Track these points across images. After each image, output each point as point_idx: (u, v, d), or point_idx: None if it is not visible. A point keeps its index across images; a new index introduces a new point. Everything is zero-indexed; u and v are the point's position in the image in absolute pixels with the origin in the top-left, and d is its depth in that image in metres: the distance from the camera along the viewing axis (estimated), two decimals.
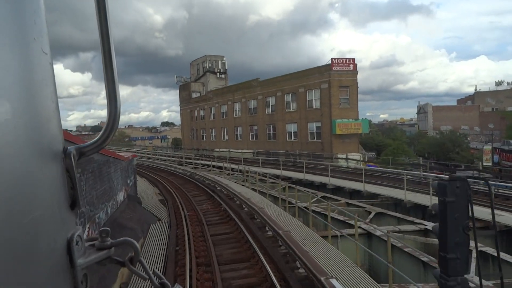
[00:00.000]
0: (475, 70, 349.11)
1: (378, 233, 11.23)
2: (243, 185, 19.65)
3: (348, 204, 15.66)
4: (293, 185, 19.46)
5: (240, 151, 45.84)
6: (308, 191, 15.45)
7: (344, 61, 36.33)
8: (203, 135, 59.71)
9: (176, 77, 68.03)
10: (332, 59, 36.00)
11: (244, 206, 13.82)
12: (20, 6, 0.60)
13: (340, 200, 15.91)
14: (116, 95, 0.81)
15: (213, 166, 29.49)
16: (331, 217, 12.04)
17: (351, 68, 36.47)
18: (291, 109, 41.06)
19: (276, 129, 43.27)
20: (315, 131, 38.32)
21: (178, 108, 68.86)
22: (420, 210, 15.23)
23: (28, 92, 0.60)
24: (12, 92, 0.55)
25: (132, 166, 15.14)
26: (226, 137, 53.19)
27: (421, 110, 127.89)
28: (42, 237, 0.60)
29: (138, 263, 0.82)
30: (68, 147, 0.74)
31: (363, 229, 11.65)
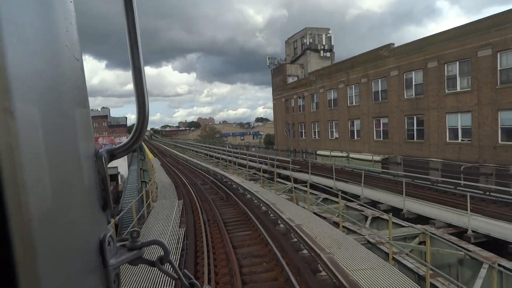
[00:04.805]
0: None
1: None
2: None
3: None
4: None
5: (370, 157, 29.87)
6: None
7: None
8: (301, 131, 44.91)
9: (268, 58, 54.30)
10: None
11: None
12: (52, 14, 0.61)
13: None
14: (145, 99, 0.81)
15: (338, 191, 14.41)
16: None
17: None
18: (458, 89, 23.79)
19: (424, 123, 26.39)
20: None
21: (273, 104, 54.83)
22: None
23: (61, 97, 0.62)
24: (46, 97, 0.57)
25: None
26: (335, 135, 37.63)
27: None
28: (77, 237, 0.62)
29: (167, 263, 0.82)
30: (100, 150, 0.76)
31: None
